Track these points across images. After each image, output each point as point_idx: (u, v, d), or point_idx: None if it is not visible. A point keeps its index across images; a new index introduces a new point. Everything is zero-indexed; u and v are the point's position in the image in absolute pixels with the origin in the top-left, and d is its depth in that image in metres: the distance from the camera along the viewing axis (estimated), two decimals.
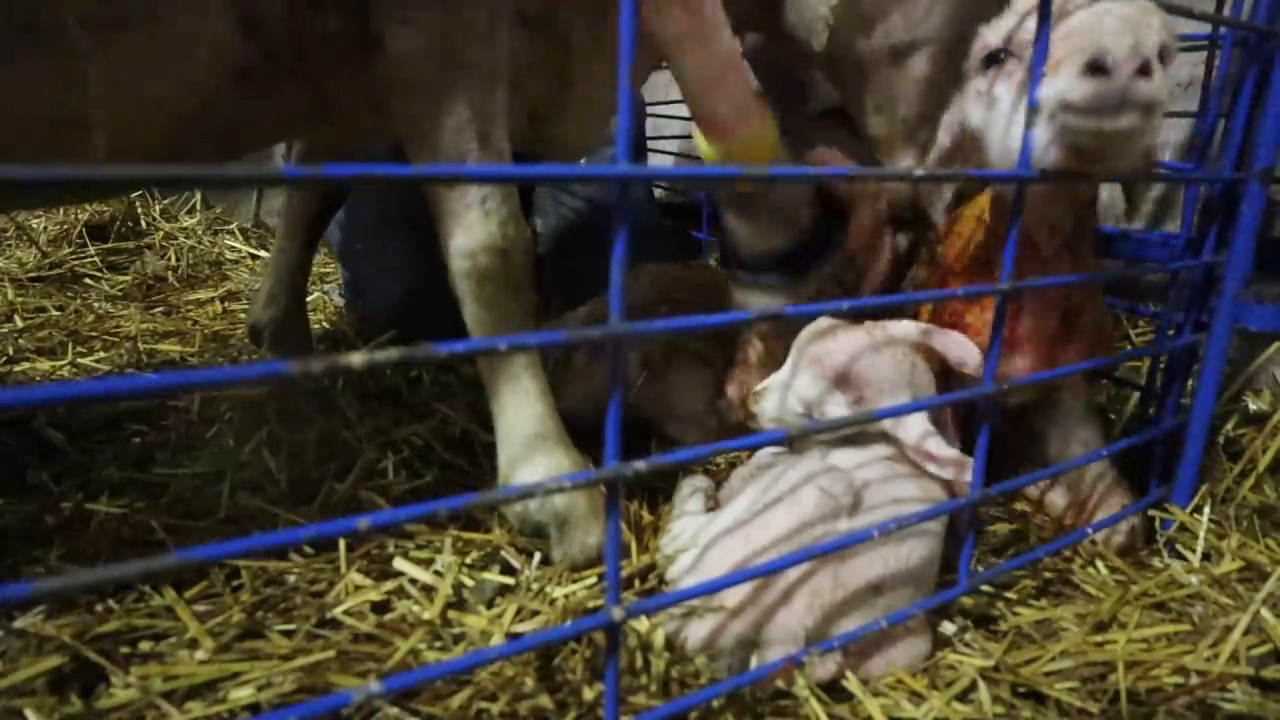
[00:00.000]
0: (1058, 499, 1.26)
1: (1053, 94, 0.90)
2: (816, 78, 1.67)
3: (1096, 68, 0.88)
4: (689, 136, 2.68)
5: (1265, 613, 0.98)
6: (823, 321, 1.12)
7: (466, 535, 1.11)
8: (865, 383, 1.04)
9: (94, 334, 1.96)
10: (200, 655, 0.85)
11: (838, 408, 1.05)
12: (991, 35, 1.04)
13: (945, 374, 1.13)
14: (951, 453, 0.98)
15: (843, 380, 1.05)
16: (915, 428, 1.01)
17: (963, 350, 1.06)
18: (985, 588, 1.08)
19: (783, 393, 1.11)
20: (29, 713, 0.76)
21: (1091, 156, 0.95)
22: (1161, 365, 1.33)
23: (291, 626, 0.92)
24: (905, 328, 1.09)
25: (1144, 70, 0.87)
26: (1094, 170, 0.98)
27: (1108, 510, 1.19)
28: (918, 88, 1.38)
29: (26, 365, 1.73)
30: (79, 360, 1.77)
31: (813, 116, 1.68)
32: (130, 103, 0.99)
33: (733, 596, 0.89)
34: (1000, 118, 1.03)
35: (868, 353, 1.05)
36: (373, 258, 2.07)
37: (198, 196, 3.09)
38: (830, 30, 1.39)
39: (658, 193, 2.77)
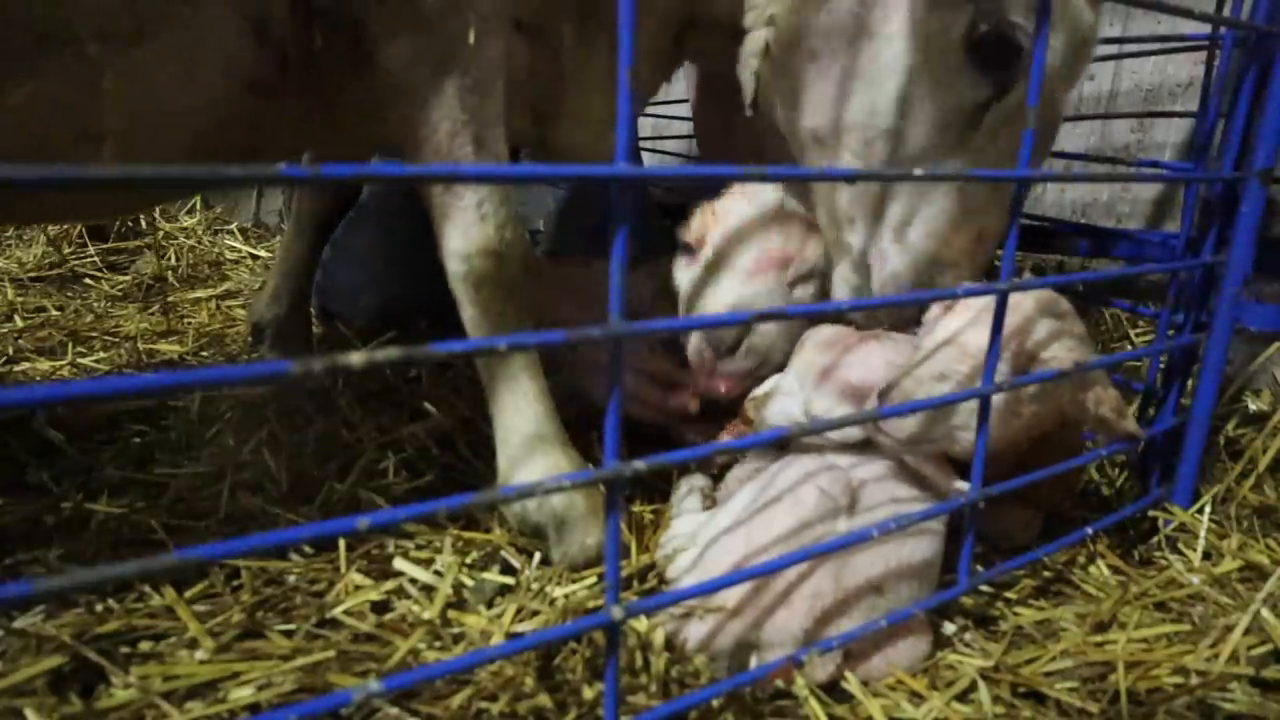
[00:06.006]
0: None
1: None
2: None
3: None
4: (691, 136, 2.68)
5: (1265, 613, 0.98)
6: (828, 330, 1.11)
7: (466, 535, 1.11)
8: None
9: (94, 334, 1.95)
10: (200, 655, 0.85)
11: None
12: None
13: None
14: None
15: (860, 398, 1.03)
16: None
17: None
18: (985, 588, 1.08)
19: (787, 401, 1.10)
20: (29, 713, 0.76)
21: None
22: (1161, 365, 1.33)
23: (291, 626, 0.92)
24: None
25: None
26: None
27: None
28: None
29: (26, 365, 1.73)
30: (79, 360, 1.77)
31: None
32: (151, 115, 1.00)
33: (732, 596, 0.89)
34: None
35: (883, 369, 1.04)
36: (339, 251, 1.99)
37: (197, 197, 3.08)
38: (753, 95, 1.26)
39: (657, 193, 2.76)
